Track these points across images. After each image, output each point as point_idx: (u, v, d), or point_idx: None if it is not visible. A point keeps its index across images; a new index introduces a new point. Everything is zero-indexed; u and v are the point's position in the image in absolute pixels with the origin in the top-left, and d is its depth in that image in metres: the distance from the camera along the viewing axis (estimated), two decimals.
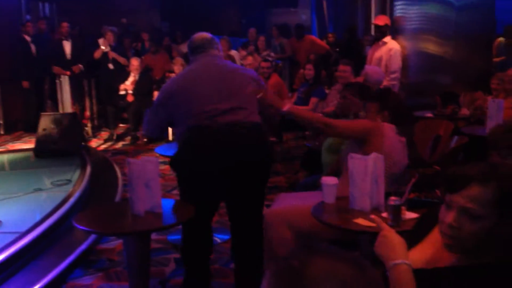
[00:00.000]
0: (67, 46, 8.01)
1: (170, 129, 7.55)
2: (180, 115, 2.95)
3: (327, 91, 6.21)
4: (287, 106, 2.93)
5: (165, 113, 3.03)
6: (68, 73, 7.45)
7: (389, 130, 2.97)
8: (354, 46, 8.17)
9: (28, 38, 8.20)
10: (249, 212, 3.08)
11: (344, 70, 5.23)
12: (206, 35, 3.14)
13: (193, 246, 3.09)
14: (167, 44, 9.21)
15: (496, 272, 1.43)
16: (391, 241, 1.57)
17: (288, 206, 3.01)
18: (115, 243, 3.97)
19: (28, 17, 11.76)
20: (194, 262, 3.12)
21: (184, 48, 9.60)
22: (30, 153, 6.11)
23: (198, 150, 2.91)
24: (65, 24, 8.20)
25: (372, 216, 1.65)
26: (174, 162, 3.12)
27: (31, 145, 6.56)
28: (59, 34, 8.24)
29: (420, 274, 1.51)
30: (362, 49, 7.98)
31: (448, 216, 1.47)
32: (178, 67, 7.71)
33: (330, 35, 8.68)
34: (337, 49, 8.10)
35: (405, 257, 1.53)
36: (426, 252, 1.62)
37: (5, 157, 6.41)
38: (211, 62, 3.06)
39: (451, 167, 1.57)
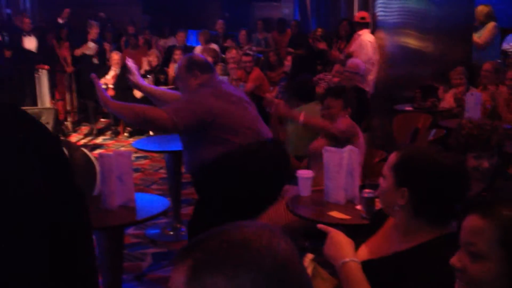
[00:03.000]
0: (29, 42, 7.75)
1: None
2: (221, 132, 2.81)
3: None
4: (302, 116, 3.14)
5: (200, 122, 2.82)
6: (47, 67, 7.32)
7: (358, 127, 3.19)
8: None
9: None
10: None
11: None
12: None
13: None
14: (147, 39, 9.11)
15: (428, 250, 1.50)
16: (339, 241, 1.60)
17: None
18: None
19: (8, 11, 11.56)
20: None
21: (166, 42, 9.54)
22: None
23: (258, 165, 2.82)
24: (26, 20, 7.99)
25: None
26: (222, 179, 2.85)
27: None
28: (21, 30, 8.01)
29: (366, 265, 1.56)
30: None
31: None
32: (153, 58, 7.67)
33: (319, 29, 8.62)
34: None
35: (353, 255, 1.57)
36: (376, 243, 1.69)
37: None
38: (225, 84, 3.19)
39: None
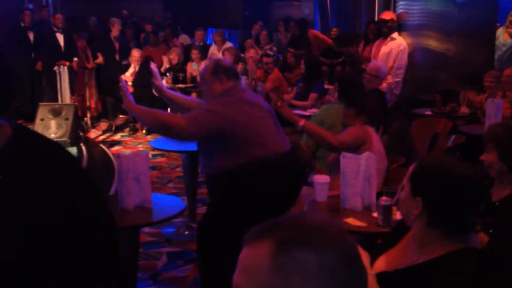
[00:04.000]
0: (61, 39, 7.92)
1: None
2: (237, 143, 2.77)
3: (326, 86, 6.15)
4: (302, 122, 3.05)
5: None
6: (67, 63, 7.40)
7: (373, 133, 3.11)
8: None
9: (24, 25, 8.12)
10: None
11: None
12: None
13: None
14: (166, 36, 9.17)
15: (445, 264, 1.49)
16: None
17: None
18: None
19: (30, 6, 11.72)
20: None
21: (184, 40, 9.58)
22: None
23: (271, 182, 2.78)
24: (59, 16, 8.12)
25: None
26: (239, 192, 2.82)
27: None
28: (54, 26, 8.16)
29: (381, 277, 1.54)
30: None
31: None
32: (173, 56, 7.70)
33: (334, 29, 8.59)
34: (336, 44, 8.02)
35: (368, 268, 1.55)
36: (394, 255, 1.67)
37: None
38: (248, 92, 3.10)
39: None
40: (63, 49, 7.81)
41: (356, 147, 2.99)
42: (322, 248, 0.86)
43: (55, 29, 7.93)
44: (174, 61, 7.77)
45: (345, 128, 3.21)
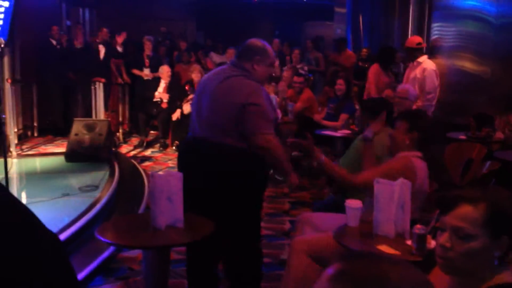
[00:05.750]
0: (102, 51, 8.23)
1: None
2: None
3: (357, 106, 6.13)
4: (322, 157, 2.92)
5: None
6: (103, 80, 7.58)
7: (420, 167, 2.86)
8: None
9: (54, 42, 8.35)
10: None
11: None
12: (252, 42, 3.03)
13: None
14: (198, 56, 9.34)
15: None
16: None
17: (313, 237, 2.94)
18: (137, 252, 3.98)
19: (68, 22, 12.04)
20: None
21: (215, 58, 9.69)
22: (61, 157, 6.22)
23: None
24: (105, 30, 8.43)
25: None
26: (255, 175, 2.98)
27: (62, 149, 6.68)
28: (98, 38, 8.43)
29: None
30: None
31: (441, 237, 1.49)
32: (196, 74, 7.80)
33: (364, 50, 8.59)
34: (366, 65, 8.01)
35: None
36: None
37: (37, 161, 6.55)
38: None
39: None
40: (102, 61, 8.08)
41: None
42: None
43: (97, 40, 8.20)
44: (197, 79, 7.87)
45: (391, 144, 3.00)
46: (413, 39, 5.92)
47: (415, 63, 5.69)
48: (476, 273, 1.47)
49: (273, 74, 3.26)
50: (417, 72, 5.59)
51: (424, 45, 5.93)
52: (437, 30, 6.35)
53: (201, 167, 2.93)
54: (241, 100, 2.81)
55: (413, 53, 5.69)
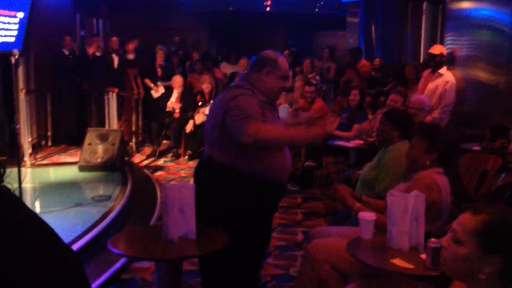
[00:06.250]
0: (116, 60, 8.31)
1: None
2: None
3: (370, 116, 6.09)
4: (357, 206, 2.88)
5: None
6: (116, 90, 7.63)
7: (443, 183, 2.81)
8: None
9: (66, 52, 8.43)
10: None
11: (395, 100, 5.14)
12: (265, 53, 2.97)
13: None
14: (208, 66, 9.39)
15: None
16: None
17: (329, 242, 2.92)
18: (150, 263, 3.98)
19: (82, 33, 12.17)
20: None
21: (228, 68, 9.73)
22: (75, 167, 6.26)
23: None
24: (114, 39, 8.49)
25: None
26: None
27: (76, 159, 6.73)
28: (109, 48, 8.50)
29: None
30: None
31: (445, 238, 1.58)
32: (206, 85, 7.83)
33: (376, 59, 8.56)
34: (379, 75, 7.99)
35: None
36: None
37: (51, 170, 6.59)
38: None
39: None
40: (116, 70, 8.14)
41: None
42: None
43: (110, 50, 8.28)
44: (208, 89, 7.90)
45: (410, 163, 2.93)
46: (438, 48, 5.84)
47: (436, 74, 5.65)
48: (473, 281, 1.48)
49: (286, 87, 3.12)
50: (439, 83, 5.56)
51: (445, 56, 5.86)
52: (450, 40, 6.30)
53: (196, 182, 2.91)
54: (223, 108, 2.77)
55: (435, 63, 5.64)
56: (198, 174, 3.02)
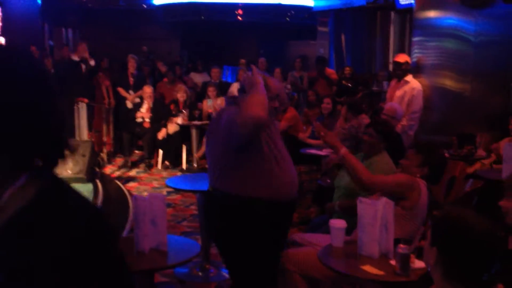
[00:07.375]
0: (83, 67, 8.16)
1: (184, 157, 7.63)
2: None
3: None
4: (343, 150, 2.90)
5: None
6: (86, 100, 7.53)
7: (424, 187, 2.89)
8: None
9: (48, 64, 8.30)
10: None
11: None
12: None
13: None
14: (181, 74, 9.35)
15: None
16: None
17: (299, 251, 2.93)
18: None
19: (50, 42, 12.01)
20: None
21: (196, 77, 9.72)
22: None
23: None
24: (83, 46, 8.32)
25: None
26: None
27: None
28: (77, 55, 8.34)
29: None
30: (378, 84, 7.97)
31: None
32: (181, 94, 7.80)
33: (347, 68, 8.68)
34: (349, 84, 8.09)
35: None
36: None
37: None
38: None
39: None
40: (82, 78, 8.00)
41: (397, 195, 2.78)
42: None
43: (76, 59, 8.10)
44: (182, 98, 7.86)
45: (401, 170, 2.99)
46: (403, 56, 5.95)
47: (402, 81, 5.75)
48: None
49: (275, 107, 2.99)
50: (406, 90, 5.65)
51: (409, 64, 5.97)
52: (418, 48, 6.42)
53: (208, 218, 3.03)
54: (233, 122, 2.66)
55: (402, 71, 5.74)
56: (208, 211, 2.93)
